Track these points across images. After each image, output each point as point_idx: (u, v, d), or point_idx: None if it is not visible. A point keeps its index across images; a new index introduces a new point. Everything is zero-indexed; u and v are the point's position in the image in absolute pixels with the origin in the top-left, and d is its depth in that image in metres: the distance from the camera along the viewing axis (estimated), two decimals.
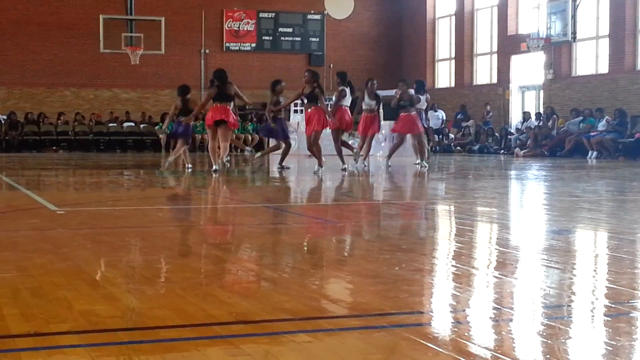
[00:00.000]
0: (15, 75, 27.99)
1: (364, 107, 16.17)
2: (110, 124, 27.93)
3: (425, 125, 18.84)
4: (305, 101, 14.56)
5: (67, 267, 4.62)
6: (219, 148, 14.19)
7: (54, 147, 26.64)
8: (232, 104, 14.14)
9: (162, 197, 10.64)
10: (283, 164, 15.38)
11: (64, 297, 3.75)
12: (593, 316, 3.55)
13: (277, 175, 14.62)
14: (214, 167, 13.92)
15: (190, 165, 15.17)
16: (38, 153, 25.38)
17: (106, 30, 27.14)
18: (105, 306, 3.58)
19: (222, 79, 14.01)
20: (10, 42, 27.92)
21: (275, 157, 16.69)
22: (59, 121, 27.39)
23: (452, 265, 4.86)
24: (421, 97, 18.13)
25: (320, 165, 14.21)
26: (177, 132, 15.05)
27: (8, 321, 3.29)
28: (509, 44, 26.88)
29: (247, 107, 28.73)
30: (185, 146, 15.30)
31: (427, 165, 15.90)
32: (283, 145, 15.72)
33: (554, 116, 24.10)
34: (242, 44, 30.34)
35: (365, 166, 15.88)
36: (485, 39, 28.75)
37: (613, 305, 3.66)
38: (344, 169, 14.78)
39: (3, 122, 26.78)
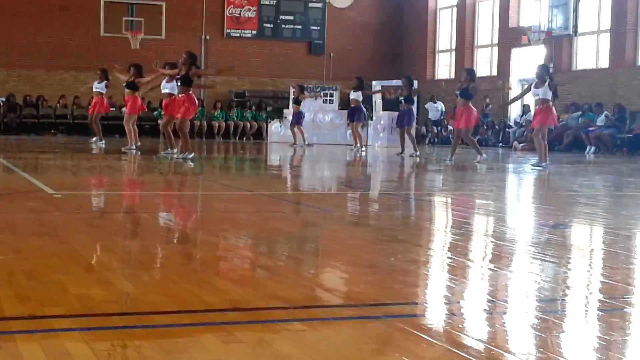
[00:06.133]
0: (15, 56, 27.88)
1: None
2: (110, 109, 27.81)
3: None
4: (179, 83, 13.93)
5: (63, 250, 4.62)
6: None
7: (53, 131, 26.58)
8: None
9: (160, 182, 10.63)
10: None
11: (59, 280, 3.75)
12: (587, 311, 3.55)
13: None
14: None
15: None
16: (36, 136, 25.33)
17: (107, 13, 27.03)
18: (100, 290, 3.58)
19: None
20: (10, 22, 27.79)
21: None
22: (58, 104, 27.31)
23: (448, 257, 4.86)
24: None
25: (188, 150, 13.83)
26: None
27: (3, 303, 3.29)
28: (510, 37, 26.83)
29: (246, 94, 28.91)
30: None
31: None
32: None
33: None
34: (242, 31, 30.25)
35: None
36: (486, 31, 28.69)
37: (607, 300, 3.67)
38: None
39: (2, 104, 26.72)
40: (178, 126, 14.02)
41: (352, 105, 20.22)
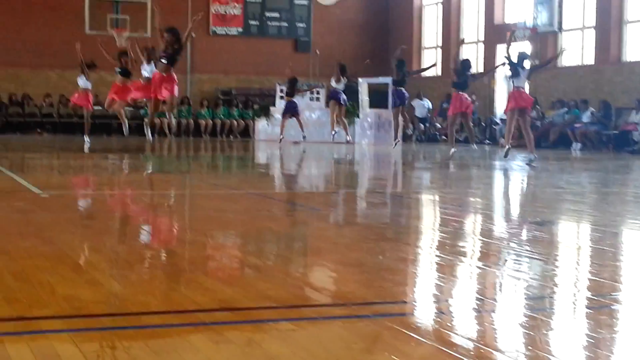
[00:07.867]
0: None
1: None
2: (96, 107, 27.66)
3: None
4: (165, 61, 13.90)
5: (51, 251, 4.60)
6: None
7: (38, 130, 26.46)
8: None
9: (147, 181, 10.60)
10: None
11: (47, 281, 3.74)
12: (575, 308, 3.57)
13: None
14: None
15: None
16: (22, 135, 25.22)
17: (92, 11, 26.90)
18: (88, 291, 3.57)
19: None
20: None
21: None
22: (43, 103, 27.17)
23: (436, 255, 4.87)
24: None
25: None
26: None
27: None
28: (496, 33, 26.87)
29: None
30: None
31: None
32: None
33: (537, 106, 24.13)
34: (228, 28, 30.18)
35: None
36: (471, 27, 28.73)
37: (595, 298, 3.69)
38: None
39: None
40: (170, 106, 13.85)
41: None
